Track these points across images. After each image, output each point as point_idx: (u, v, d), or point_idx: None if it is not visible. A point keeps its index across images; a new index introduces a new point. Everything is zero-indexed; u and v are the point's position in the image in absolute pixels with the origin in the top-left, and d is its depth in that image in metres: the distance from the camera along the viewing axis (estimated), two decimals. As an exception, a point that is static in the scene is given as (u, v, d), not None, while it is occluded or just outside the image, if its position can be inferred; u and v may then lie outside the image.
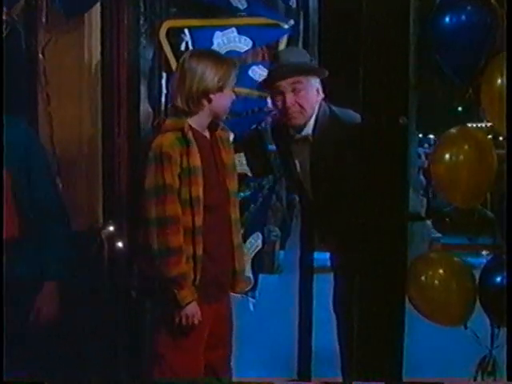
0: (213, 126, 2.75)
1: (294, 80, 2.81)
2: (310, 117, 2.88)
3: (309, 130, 2.88)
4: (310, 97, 2.85)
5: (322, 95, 2.92)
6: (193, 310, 2.58)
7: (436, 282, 2.58)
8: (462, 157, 2.47)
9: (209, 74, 2.61)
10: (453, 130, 2.58)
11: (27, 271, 2.64)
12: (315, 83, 2.89)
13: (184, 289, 2.55)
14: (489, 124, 2.53)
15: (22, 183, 2.62)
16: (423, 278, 2.59)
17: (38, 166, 2.71)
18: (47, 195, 2.72)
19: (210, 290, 2.67)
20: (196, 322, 2.59)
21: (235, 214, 2.78)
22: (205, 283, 2.63)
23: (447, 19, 2.45)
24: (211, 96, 2.63)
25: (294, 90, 2.81)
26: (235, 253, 2.77)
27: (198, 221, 2.59)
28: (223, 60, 2.71)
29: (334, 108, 2.95)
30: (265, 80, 3.00)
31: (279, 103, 2.85)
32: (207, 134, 2.73)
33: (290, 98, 2.81)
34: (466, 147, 2.48)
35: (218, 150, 2.74)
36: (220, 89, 2.63)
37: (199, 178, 2.59)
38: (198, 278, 2.60)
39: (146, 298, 3.05)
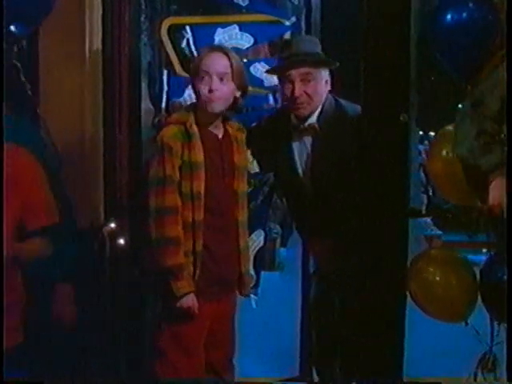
0: (227, 124, 2.74)
1: (305, 71, 2.80)
2: (316, 107, 2.88)
3: (313, 119, 2.88)
4: (318, 88, 2.84)
5: (329, 86, 2.91)
6: (189, 301, 2.57)
7: (437, 278, 2.59)
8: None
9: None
10: (449, 127, 2.58)
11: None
12: (325, 74, 2.88)
13: (180, 280, 2.56)
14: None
15: None
16: (424, 275, 2.60)
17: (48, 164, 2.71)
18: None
19: (211, 289, 2.66)
20: (192, 313, 2.58)
21: (243, 216, 2.76)
22: (206, 281, 2.62)
23: (447, 17, 2.46)
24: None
25: (303, 80, 2.80)
26: (241, 255, 2.77)
27: (199, 216, 2.59)
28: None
29: (339, 100, 2.94)
30: (276, 67, 2.98)
31: (288, 91, 2.84)
32: (220, 132, 2.72)
33: (298, 87, 2.80)
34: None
35: (229, 151, 2.73)
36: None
37: (201, 174, 2.59)
38: (197, 273, 2.60)
39: (147, 291, 3.06)
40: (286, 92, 2.85)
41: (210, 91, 2.60)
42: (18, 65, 2.83)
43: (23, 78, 2.85)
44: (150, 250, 2.62)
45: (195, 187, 2.59)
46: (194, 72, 2.68)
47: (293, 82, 2.80)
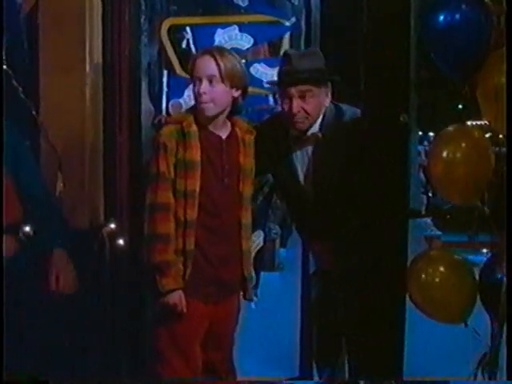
0: (236, 125, 2.74)
1: (305, 88, 2.74)
2: (315, 121, 2.84)
3: (315, 129, 2.84)
4: (318, 104, 2.78)
5: (330, 98, 2.86)
6: (175, 298, 2.58)
7: (436, 279, 2.59)
8: (459, 155, 2.48)
9: None
10: (450, 128, 2.58)
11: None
12: (325, 88, 2.83)
13: (167, 277, 2.57)
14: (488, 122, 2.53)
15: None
16: (423, 275, 2.60)
17: (25, 162, 2.76)
18: (35, 192, 2.78)
19: (206, 290, 2.66)
20: (180, 311, 2.59)
21: (246, 219, 2.75)
22: (199, 281, 2.63)
23: (442, 17, 2.45)
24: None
25: (302, 97, 2.73)
26: (244, 258, 2.76)
27: (191, 215, 2.60)
28: None
29: (339, 104, 2.91)
30: (275, 81, 2.92)
31: (285, 107, 2.78)
32: (224, 133, 2.72)
33: (296, 104, 2.73)
34: (464, 145, 2.49)
35: (234, 152, 2.72)
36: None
37: (197, 173, 2.60)
38: (188, 272, 2.61)
39: (147, 291, 3.06)
40: (283, 107, 2.79)
41: (199, 94, 2.63)
42: (10, 71, 2.84)
43: (15, 83, 2.85)
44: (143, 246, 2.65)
45: (189, 186, 2.60)
46: (190, 76, 2.71)
47: (291, 99, 2.73)
